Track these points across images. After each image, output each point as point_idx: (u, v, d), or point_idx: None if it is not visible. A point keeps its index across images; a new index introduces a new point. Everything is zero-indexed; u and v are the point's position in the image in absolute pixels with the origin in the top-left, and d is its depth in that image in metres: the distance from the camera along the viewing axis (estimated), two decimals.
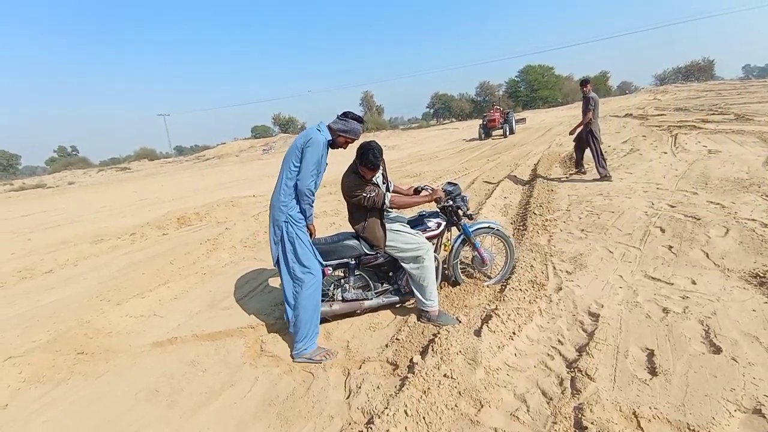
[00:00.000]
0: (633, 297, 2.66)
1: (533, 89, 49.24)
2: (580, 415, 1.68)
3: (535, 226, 4.43)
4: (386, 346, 2.43)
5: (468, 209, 2.92)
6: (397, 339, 2.45)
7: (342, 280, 2.72)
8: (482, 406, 1.80)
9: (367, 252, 2.64)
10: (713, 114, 13.43)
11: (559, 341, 2.29)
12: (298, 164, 2.33)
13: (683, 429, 1.57)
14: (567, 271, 3.25)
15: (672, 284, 2.79)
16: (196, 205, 7.74)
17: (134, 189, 14.25)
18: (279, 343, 2.59)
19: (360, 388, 2.02)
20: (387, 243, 2.60)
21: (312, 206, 2.44)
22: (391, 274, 2.83)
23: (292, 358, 2.37)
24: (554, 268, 3.32)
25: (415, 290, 2.63)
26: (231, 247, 4.78)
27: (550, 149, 10.96)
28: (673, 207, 4.47)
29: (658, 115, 16.50)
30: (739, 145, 7.64)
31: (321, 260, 2.47)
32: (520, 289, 2.86)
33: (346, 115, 2.41)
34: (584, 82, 6.71)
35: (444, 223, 2.90)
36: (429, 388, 1.87)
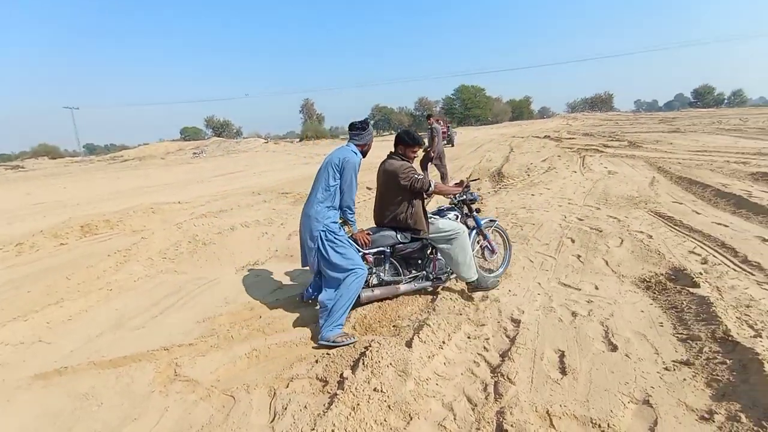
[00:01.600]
0: (549, 302, 2.89)
1: (467, 107, 52.69)
2: (501, 419, 1.75)
3: None
4: (316, 361, 2.33)
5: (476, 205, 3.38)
6: (327, 354, 2.36)
7: (375, 268, 2.90)
8: (411, 419, 1.80)
9: (401, 241, 2.91)
10: (612, 140, 15.51)
11: (484, 348, 2.39)
12: (336, 181, 2.63)
13: (587, 423, 1.72)
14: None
15: (580, 290, 3.09)
16: (108, 211, 6.86)
17: (28, 191, 12.22)
18: (198, 364, 2.35)
19: (286, 409, 1.91)
20: (430, 227, 2.93)
21: (354, 216, 2.77)
22: (419, 261, 3.10)
23: (318, 341, 2.46)
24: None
25: (454, 269, 2.98)
26: (147, 258, 4.29)
27: (480, 164, 11.74)
28: (581, 220, 5.01)
29: (570, 138, 18.62)
30: (631, 167, 8.88)
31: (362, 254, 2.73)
32: (450, 299, 2.96)
33: (364, 128, 2.76)
34: (428, 116, 8.16)
35: (460, 216, 3.27)
36: (358, 404, 1.83)
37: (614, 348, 2.25)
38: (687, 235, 4.13)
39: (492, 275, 3.34)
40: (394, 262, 2.97)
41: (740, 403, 1.71)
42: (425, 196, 2.92)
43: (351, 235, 2.77)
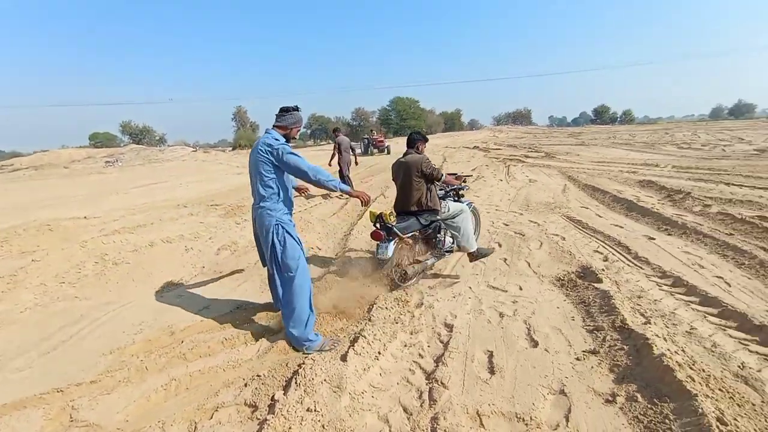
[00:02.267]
0: (479, 305, 3.05)
1: (402, 119, 54.39)
2: (435, 425, 1.78)
3: None
4: (245, 385, 2.17)
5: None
6: (258, 376, 2.22)
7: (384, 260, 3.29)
8: None
9: (424, 224, 3.46)
10: (532, 151, 17.08)
11: (420, 355, 2.43)
12: (271, 174, 2.47)
13: (512, 419, 1.82)
14: (429, 287, 3.54)
15: (506, 291, 3.31)
16: None
17: None
18: (101, 404, 2.05)
19: None
20: (442, 208, 3.54)
21: (327, 177, 2.50)
22: (433, 240, 3.70)
23: (303, 351, 2.46)
24: (416, 284, 3.59)
25: (461, 242, 3.58)
26: (39, 285, 3.68)
27: None
28: (507, 225, 5.40)
29: (496, 149, 20.12)
30: (547, 176, 9.84)
31: (304, 252, 2.65)
32: (386, 308, 2.97)
33: (288, 110, 2.62)
34: (334, 130, 8.91)
35: (453, 200, 3.95)
36: (290, 428, 1.73)
37: (535, 344, 2.43)
38: (592, 236, 4.65)
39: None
40: (420, 242, 3.60)
41: (636, 384, 1.94)
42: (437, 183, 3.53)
43: (354, 193, 2.70)
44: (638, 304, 2.79)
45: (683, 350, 2.16)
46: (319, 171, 2.45)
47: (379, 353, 2.38)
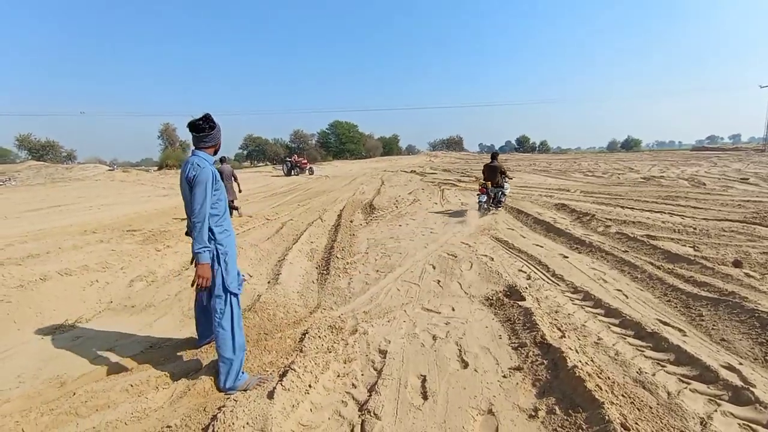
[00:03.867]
0: (413, 329, 3.07)
1: (342, 142, 54.95)
2: None
3: (337, 269, 4.67)
4: None
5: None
6: (168, 427, 1.95)
7: (487, 203, 7.84)
8: None
9: (496, 191, 7.96)
10: (464, 176, 18.22)
11: (353, 385, 2.35)
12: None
13: None
14: (364, 312, 3.49)
15: (440, 313, 3.39)
16: None
17: None
18: None
19: None
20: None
21: (200, 233, 2.19)
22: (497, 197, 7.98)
23: (225, 392, 2.26)
24: (352, 310, 3.52)
25: (502, 200, 8.09)
26: None
27: (354, 197, 12.18)
28: (441, 247, 5.60)
29: (432, 173, 21.11)
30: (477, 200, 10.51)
31: (241, 282, 2.52)
32: (319, 337, 2.85)
33: (210, 127, 2.35)
34: (221, 160, 8.64)
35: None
36: None
37: (466, 365, 2.49)
38: (517, 255, 5.01)
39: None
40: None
41: (555, 397, 2.07)
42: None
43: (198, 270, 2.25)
44: (555, 319, 3.02)
45: (592, 360, 2.37)
46: (200, 221, 2.17)
47: (310, 386, 2.26)
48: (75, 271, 4.34)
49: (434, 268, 4.67)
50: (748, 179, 12.72)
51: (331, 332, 2.98)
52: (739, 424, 1.85)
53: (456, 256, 5.05)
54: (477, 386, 2.25)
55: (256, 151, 57.08)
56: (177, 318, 3.39)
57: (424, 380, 2.35)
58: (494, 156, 8.26)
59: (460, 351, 2.68)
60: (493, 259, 4.85)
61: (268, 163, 47.14)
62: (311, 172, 23.66)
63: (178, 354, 2.71)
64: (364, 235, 6.58)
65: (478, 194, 8.03)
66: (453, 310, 3.44)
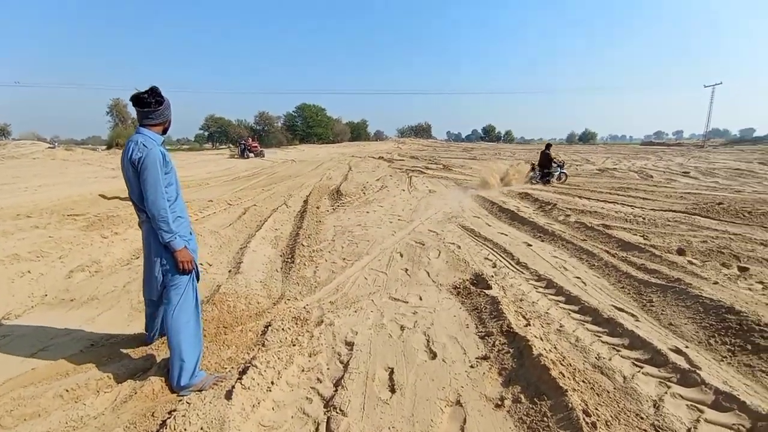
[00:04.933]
0: (380, 319, 3.01)
1: (309, 126, 53.42)
2: None
3: (303, 258, 4.52)
4: None
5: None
6: None
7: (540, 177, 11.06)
8: None
9: (547, 172, 11.05)
10: (431, 163, 18.34)
11: (318, 379, 2.26)
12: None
13: None
14: (330, 302, 3.39)
15: (407, 302, 3.35)
16: None
17: None
18: None
19: None
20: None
21: (164, 219, 2.02)
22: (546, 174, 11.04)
23: (178, 392, 2.09)
24: (318, 300, 3.41)
25: (553, 180, 11.01)
26: None
27: (321, 182, 11.90)
28: (408, 234, 5.58)
29: (400, 160, 21.09)
30: (445, 187, 10.62)
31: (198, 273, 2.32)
32: (283, 329, 2.73)
33: (158, 102, 2.09)
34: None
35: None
36: None
37: (434, 355, 2.47)
38: (483, 244, 5.08)
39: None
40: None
41: (520, 385, 2.10)
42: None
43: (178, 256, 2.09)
44: (521, 307, 3.08)
45: (555, 348, 2.43)
46: (159, 210, 1.97)
47: (272, 383, 2.14)
48: (2, 261, 3.88)
49: (402, 256, 4.64)
50: (689, 173, 13.76)
51: (296, 324, 2.86)
52: (687, 405, 1.96)
53: (424, 244, 5.04)
54: (445, 377, 2.24)
55: (219, 133, 54.25)
56: (125, 312, 3.12)
57: (391, 373, 2.30)
58: (548, 146, 11.36)
59: (428, 341, 2.65)
60: (460, 247, 4.89)
61: (230, 145, 44.93)
62: (261, 155, 25.06)
63: (125, 352, 2.48)
64: (330, 222, 6.43)
65: (532, 170, 11.35)
66: (421, 299, 3.42)
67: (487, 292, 3.35)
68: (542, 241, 5.20)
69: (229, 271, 4.11)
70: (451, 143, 60.98)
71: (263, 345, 2.49)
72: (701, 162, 18.75)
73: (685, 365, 2.23)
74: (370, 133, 71.12)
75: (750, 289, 3.37)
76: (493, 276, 3.81)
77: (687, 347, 2.48)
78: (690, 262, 4.07)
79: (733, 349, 2.42)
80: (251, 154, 24.84)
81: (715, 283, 3.45)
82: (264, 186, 11.36)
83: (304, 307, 3.22)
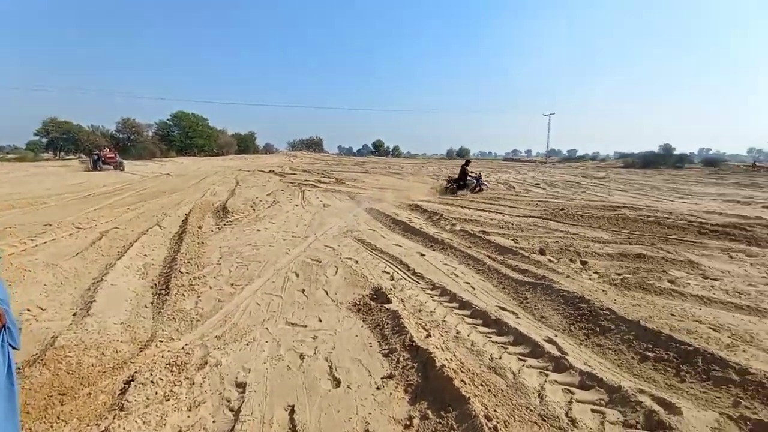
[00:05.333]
0: (277, 350, 2.71)
1: (188, 136, 47.90)
2: None
3: (181, 287, 3.87)
4: None
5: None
6: None
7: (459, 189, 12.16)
8: None
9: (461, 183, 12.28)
10: (324, 177, 18.22)
11: None
12: None
13: None
14: (216, 337, 2.94)
15: (306, 326, 3.12)
16: None
17: None
18: None
19: None
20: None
21: None
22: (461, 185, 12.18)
23: None
24: (201, 336, 2.92)
25: (468, 190, 12.24)
26: None
27: (204, 198, 10.64)
28: (304, 252, 5.31)
29: (292, 173, 20.41)
30: (339, 200, 10.59)
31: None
32: (152, 382, 2.22)
33: None
34: None
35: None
36: None
37: (338, 383, 2.31)
38: (380, 256, 5.15)
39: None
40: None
41: (427, 400, 2.09)
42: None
43: None
44: (420, 318, 3.16)
45: (455, 355, 2.53)
46: None
47: None
48: None
49: (298, 275, 4.36)
50: (539, 184, 16.63)
51: (171, 372, 2.37)
52: (562, 389, 2.22)
53: (320, 261, 4.85)
54: (351, 406, 2.10)
55: (64, 139, 44.29)
56: None
57: (292, 411, 2.06)
58: (467, 162, 12.93)
59: (331, 367, 2.48)
60: (357, 262, 4.85)
61: (82, 155, 37.13)
62: (120, 168, 21.94)
63: None
64: (215, 243, 5.72)
65: (448, 181, 12.80)
66: (320, 321, 3.23)
67: (387, 306, 3.35)
68: (434, 250, 5.53)
69: (74, 315, 3.24)
70: (343, 157, 62.02)
71: (122, 408, 1.97)
72: (546, 176, 22.93)
73: (556, 353, 2.55)
74: (259, 145, 67.65)
75: (590, 279, 4.12)
76: (391, 289, 3.85)
77: (556, 336, 2.85)
78: (549, 260, 4.81)
79: (587, 332, 2.88)
80: (108, 166, 21.64)
81: (568, 276, 4.12)
82: (130, 204, 9.58)
83: (183, 348, 2.71)
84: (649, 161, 35.01)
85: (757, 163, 35.62)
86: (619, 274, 4.18)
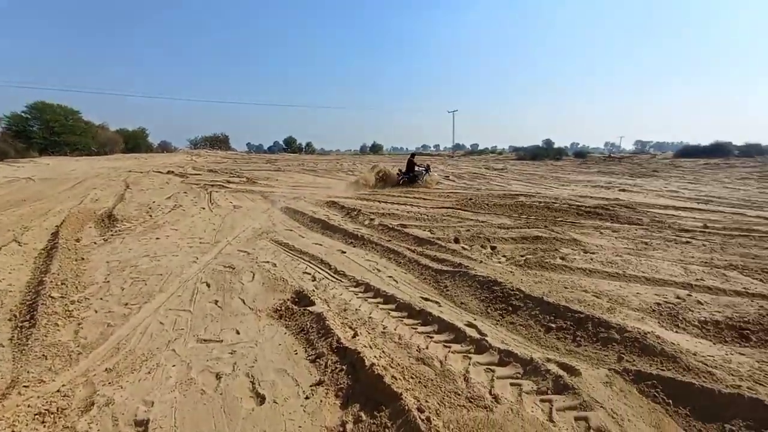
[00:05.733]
0: (187, 373, 2.39)
1: (54, 132, 39.91)
2: None
3: (53, 315, 3.18)
4: None
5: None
6: None
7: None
8: None
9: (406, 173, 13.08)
10: (233, 177, 16.90)
11: None
12: None
13: None
14: (106, 370, 2.47)
15: (222, 341, 2.82)
16: None
17: None
18: None
19: None
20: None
21: None
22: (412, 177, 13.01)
23: None
24: (85, 372, 2.43)
25: (421, 181, 13.02)
26: None
27: (82, 205, 8.99)
28: (214, 259, 4.82)
29: (196, 174, 18.50)
30: (251, 201, 9.91)
31: None
32: None
33: None
34: None
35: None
36: None
37: (263, 399, 2.13)
38: (299, 257, 4.93)
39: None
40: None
41: (359, 402, 2.04)
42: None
43: None
44: (346, 318, 3.08)
45: (384, 352, 2.52)
46: None
47: None
48: None
49: (209, 286, 3.94)
50: (449, 177, 17.82)
51: (43, 423, 1.91)
52: (484, 369, 2.37)
53: (234, 268, 4.46)
54: (279, 422, 1.94)
55: None
56: None
57: None
58: (413, 155, 13.77)
59: (253, 383, 2.27)
60: (276, 265, 4.57)
61: None
62: None
63: None
64: (101, 257, 4.86)
65: (398, 174, 13.17)
66: (238, 333, 2.95)
67: (310, 309, 3.20)
68: (354, 246, 5.50)
69: None
70: (253, 155, 58.39)
71: None
72: (454, 168, 24.71)
73: (477, 335, 2.72)
74: (153, 143, 59.88)
75: (500, 263, 4.52)
76: (314, 290, 3.71)
77: (475, 319, 3.05)
78: (464, 248, 5.15)
79: (502, 312, 3.14)
80: None
81: (481, 262, 4.46)
82: None
83: (59, 391, 2.22)
84: (535, 154, 40.29)
85: (612, 154, 44.03)
86: (522, 256, 4.66)
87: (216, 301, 3.55)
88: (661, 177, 17.54)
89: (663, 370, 2.22)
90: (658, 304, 3.20)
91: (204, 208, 8.76)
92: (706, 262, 4.31)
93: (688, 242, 5.25)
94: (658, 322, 2.92)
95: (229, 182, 14.33)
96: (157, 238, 5.89)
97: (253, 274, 4.23)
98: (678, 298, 3.33)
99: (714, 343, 2.63)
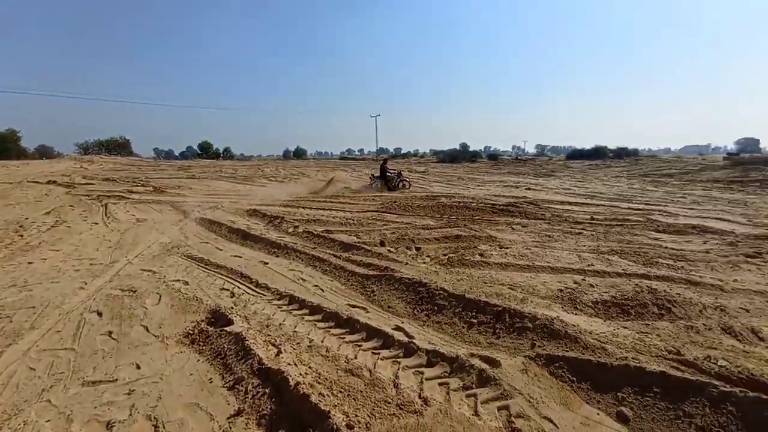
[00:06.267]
0: (66, 428, 1.97)
1: None
2: None
3: None
4: None
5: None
6: None
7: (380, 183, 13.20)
8: None
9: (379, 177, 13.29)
10: (137, 186, 14.97)
11: None
12: None
13: None
14: None
15: (116, 380, 2.40)
16: None
17: None
18: None
19: None
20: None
21: None
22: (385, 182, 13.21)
23: None
24: None
25: (390, 185, 13.38)
26: None
27: None
28: (109, 282, 4.16)
29: (87, 184, 15.97)
30: (159, 213, 8.86)
31: None
32: None
33: None
34: None
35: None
36: None
37: None
38: (216, 272, 4.49)
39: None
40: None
41: (284, 428, 1.87)
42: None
43: None
44: (268, 335, 2.86)
45: (310, 368, 2.38)
46: None
47: None
48: None
49: (101, 315, 3.37)
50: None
51: None
52: (413, 372, 2.37)
53: (136, 291, 3.89)
54: None
55: None
56: None
57: None
58: (385, 161, 14.17)
59: (155, 427, 1.96)
60: (188, 283, 4.10)
61: None
62: None
63: None
64: None
65: (371, 178, 13.67)
66: (138, 367, 2.55)
67: (228, 329, 2.91)
68: (277, 256, 5.20)
69: None
70: (162, 161, 52.57)
71: None
72: (376, 171, 25.13)
73: (404, 339, 2.72)
74: (28, 148, 50.40)
75: (425, 263, 4.65)
76: (232, 307, 3.39)
77: (403, 322, 3.06)
78: (389, 251, 5.20)
79: (428, 313, 3.20)
80: None
81: (407, 264, 4.54)
82: None
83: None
84: (454, 157, 43.13)
85: (518, 157, 49.29)
86: (445, 255, 4.86)
87: (110, 333, 3.04)
88: (557, 176, 20.02)
89: (567, 351, 2.45)
90: (561, 290, 3.57)
91: (97, 223, 7.57)
92: (594, 250, 4.95)
93: (580, 233, 6.00)
94: (562, 307, 3.24)
95: (131, 192, 12.66)
96: (30, 263, 4.90)
97: (160, 296, 3.73)
98: (575, 283, 3.75)
99: (605, 321, 3.01)
